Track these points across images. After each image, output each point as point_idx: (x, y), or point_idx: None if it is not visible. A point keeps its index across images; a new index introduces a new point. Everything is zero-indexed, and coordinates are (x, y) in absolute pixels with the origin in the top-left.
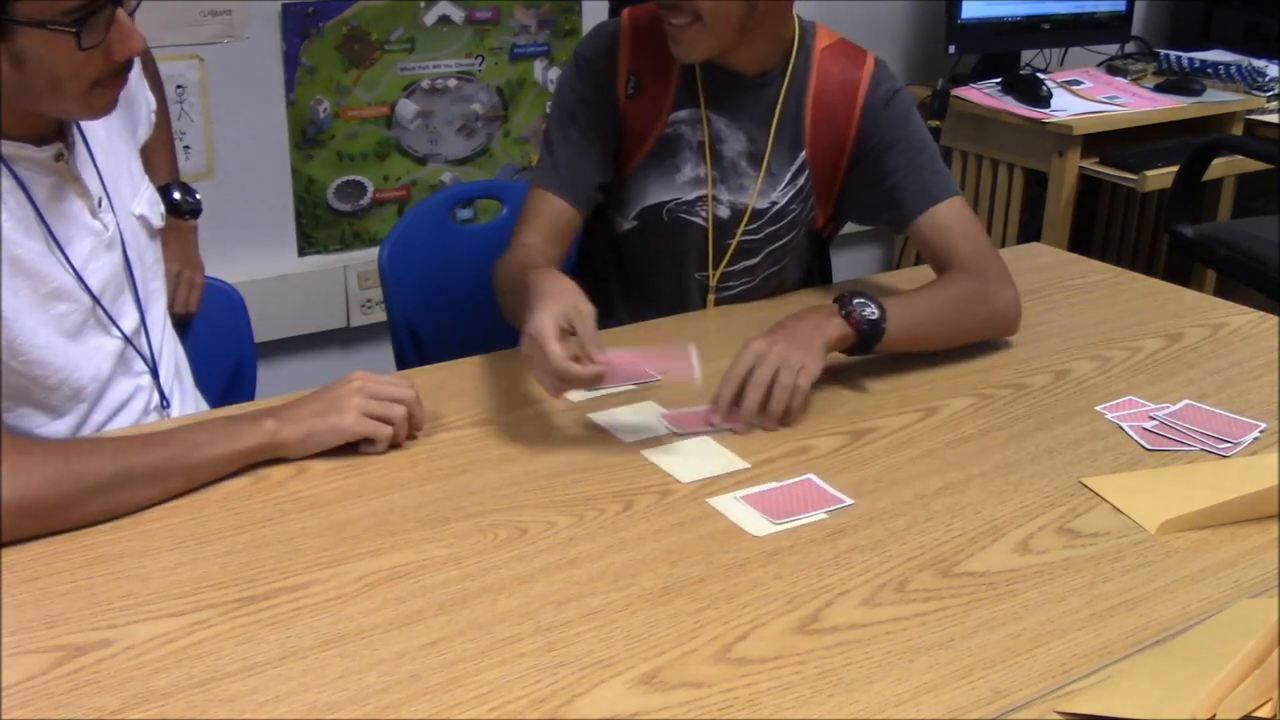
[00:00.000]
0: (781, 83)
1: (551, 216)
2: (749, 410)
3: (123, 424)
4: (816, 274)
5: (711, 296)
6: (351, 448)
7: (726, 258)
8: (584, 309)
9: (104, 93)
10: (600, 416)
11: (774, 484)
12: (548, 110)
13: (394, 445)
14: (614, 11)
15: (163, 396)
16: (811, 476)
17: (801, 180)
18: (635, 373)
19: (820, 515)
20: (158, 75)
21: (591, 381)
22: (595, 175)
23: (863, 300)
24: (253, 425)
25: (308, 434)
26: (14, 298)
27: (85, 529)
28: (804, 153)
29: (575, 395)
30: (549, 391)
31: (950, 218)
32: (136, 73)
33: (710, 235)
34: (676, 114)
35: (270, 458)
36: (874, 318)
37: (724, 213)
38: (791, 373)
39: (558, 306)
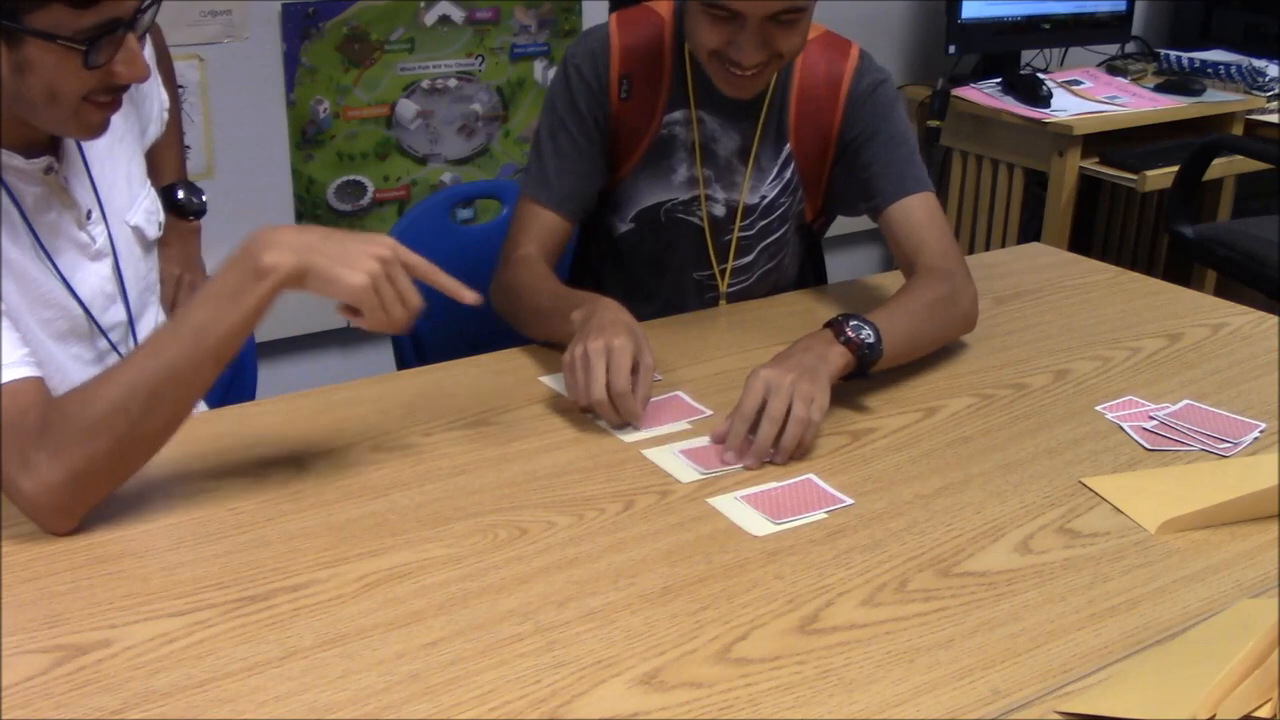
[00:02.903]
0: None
1: (544, 230)
2: (762, 445)
3: None
4: (810, 273)
5: (722, 300)
6: (351, 448)
7: (730, 255)
8: (649, 363)
9: (95, 111)
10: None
11: (774, 484)
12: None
13: (371, 329)
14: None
15: None
16: (811, 476)
17: (788, 173)
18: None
19: (820, 515)
20: (172, 73)
21: (632, 419)
22: (587, 185)
23: (858, 323)
24: (253, 283)
25: (308, 271)
26: (10, 298)
27: (85, 529)
28: (789, 145)
29: (631, 435)
30: (580, 399)
31: (921, 211)
32: (151, 71)
33: (708, 234)
34: (670, 115)
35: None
36: (871, 341)
37: (719, 211)
38: (805, 405)
39: (633, 343)
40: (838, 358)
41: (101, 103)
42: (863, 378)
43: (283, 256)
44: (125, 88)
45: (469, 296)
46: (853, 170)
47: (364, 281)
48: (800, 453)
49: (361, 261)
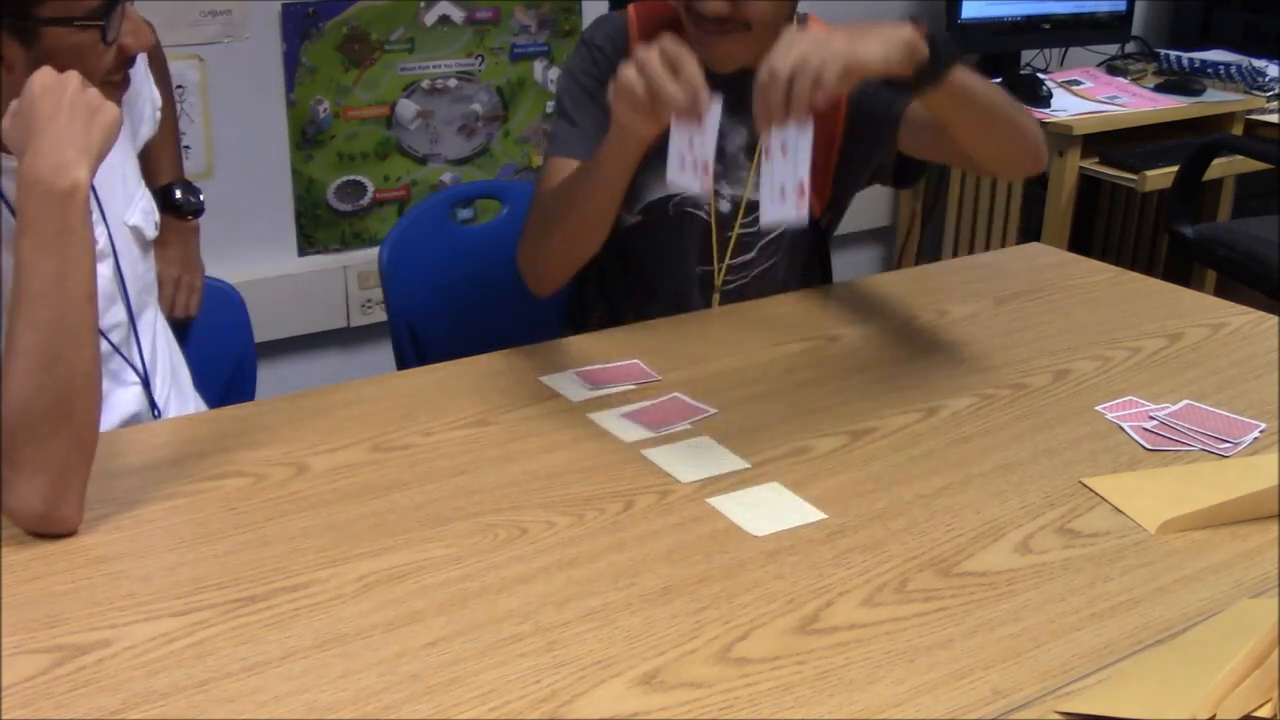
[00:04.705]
0: None
1: None
2: (772, 104)
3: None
4: (817, 272)
5: (716, 295)
6: (351, 448)
7: (729, 251)
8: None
9: (110, 91)
10: (600, 416)
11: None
12: (548, 109)
13: None
14: (615, 9)
15: (154, 406)
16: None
17: None
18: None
19: (821, 516)
20: (166, 71)
21: (690, 103)
22: None
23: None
24: (70, 209)
25: (96, 156)
26: None
27: (85, 529)
28: None
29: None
30: (638, 91)
31: None
32: (142, 70)
33: (713, 229)
34: None
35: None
36: (944, 38)
37: (725, 207)
38: (819, 55)
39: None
40: (904, 30)
41: (115, 82)
42: (933, 82)
43: (75, 172)
44: (133, 62)
45: None
46: (870, 114)
47: (114, 107)
48: (816, 101)
49: (89, 99)
